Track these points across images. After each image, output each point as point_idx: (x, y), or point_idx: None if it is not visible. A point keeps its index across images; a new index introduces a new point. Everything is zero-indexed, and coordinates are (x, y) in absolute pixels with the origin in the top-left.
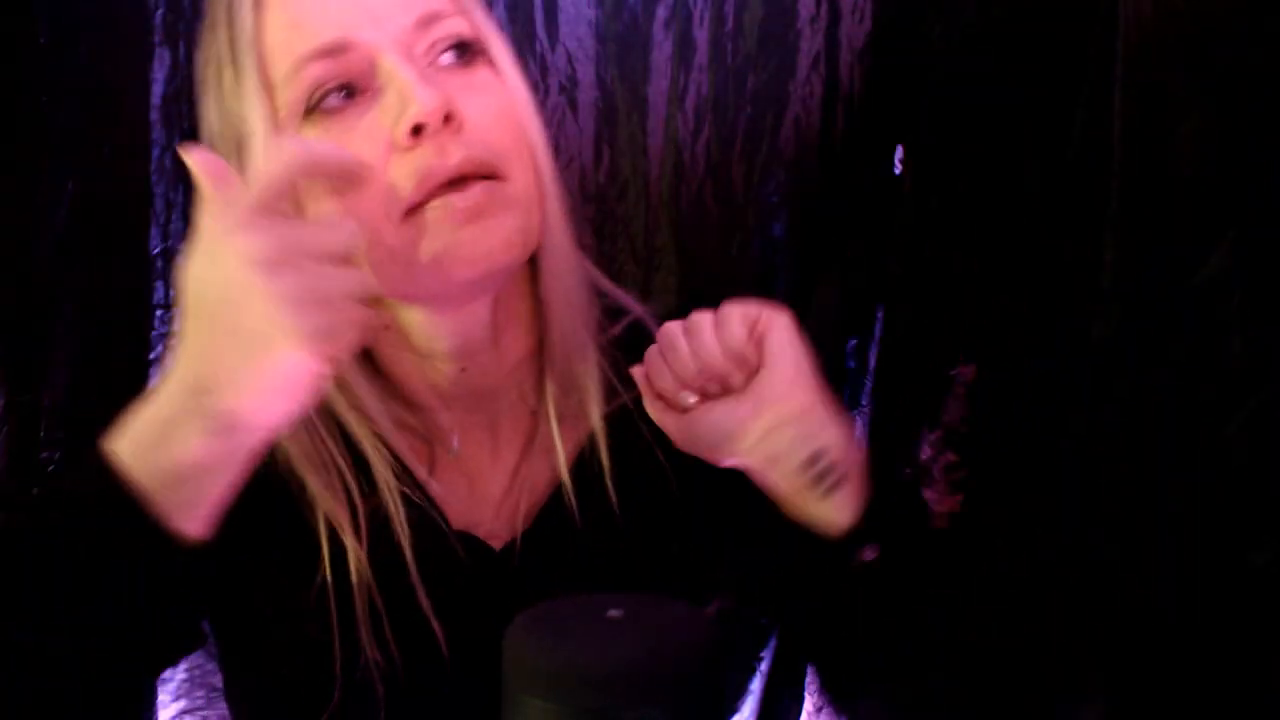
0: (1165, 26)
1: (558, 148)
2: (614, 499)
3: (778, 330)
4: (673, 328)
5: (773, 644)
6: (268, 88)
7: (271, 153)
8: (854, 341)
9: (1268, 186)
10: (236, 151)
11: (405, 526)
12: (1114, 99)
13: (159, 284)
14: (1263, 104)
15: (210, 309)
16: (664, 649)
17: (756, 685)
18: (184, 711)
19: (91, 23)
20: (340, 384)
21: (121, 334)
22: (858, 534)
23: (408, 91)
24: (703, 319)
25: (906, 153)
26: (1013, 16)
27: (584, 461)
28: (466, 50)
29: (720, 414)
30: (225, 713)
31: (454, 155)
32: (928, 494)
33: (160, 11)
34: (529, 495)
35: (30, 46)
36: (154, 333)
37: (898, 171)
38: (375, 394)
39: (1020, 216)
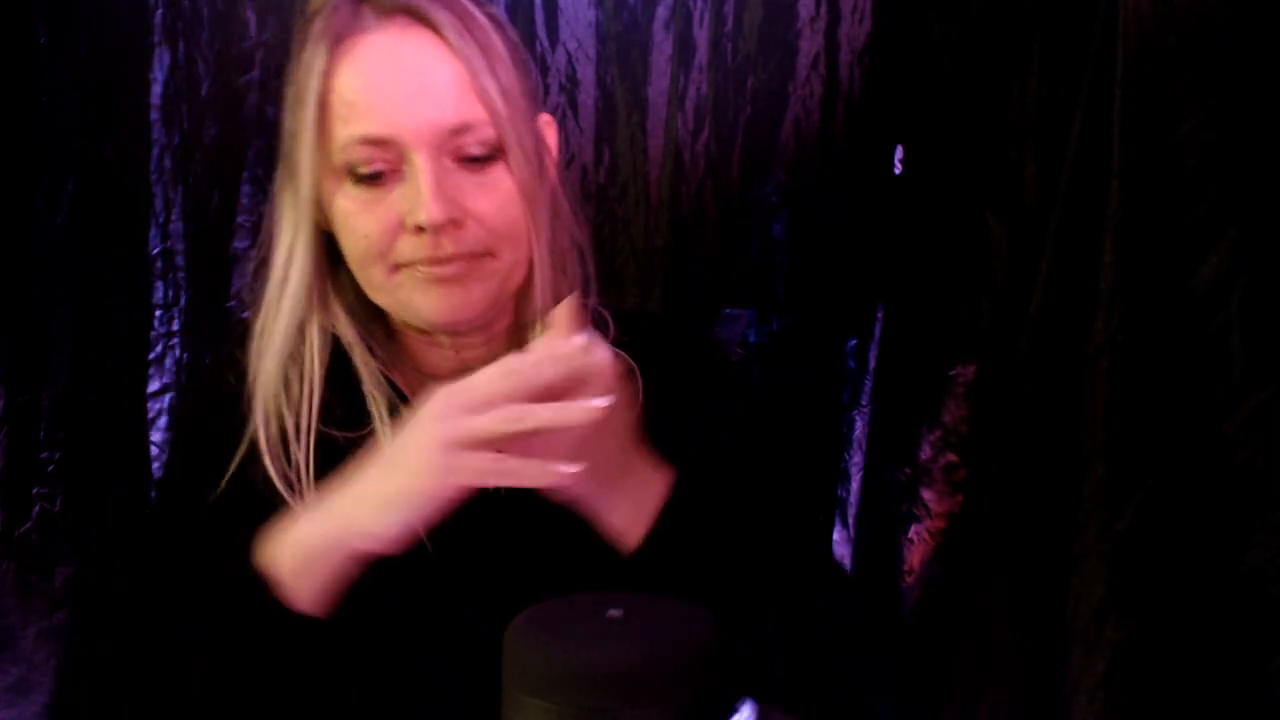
0: (1165, 26)
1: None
2: None
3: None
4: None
5: None
6: (324, 138)
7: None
8: (854, 341)
9: (1268, 186)
10: (288, 155)
11: None
12: (1114, 99)
13: (159, 284)
14: (1263, 104)
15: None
16: (664, 649)
17: None
18: None
19: (91, 23)
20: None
21: (121, 334)
22: None
23: (423, 196)
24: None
25: (906, 153)
26: (1013, 17)
27: None
28: (487, 151)
29: None
30: None
31: (447, 249)
32: (927, 494)
33: (160, 11)
34: None
35: (30, 46)
36: (154, 333)
37: (898, 171)
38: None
39: (1020, 217)
